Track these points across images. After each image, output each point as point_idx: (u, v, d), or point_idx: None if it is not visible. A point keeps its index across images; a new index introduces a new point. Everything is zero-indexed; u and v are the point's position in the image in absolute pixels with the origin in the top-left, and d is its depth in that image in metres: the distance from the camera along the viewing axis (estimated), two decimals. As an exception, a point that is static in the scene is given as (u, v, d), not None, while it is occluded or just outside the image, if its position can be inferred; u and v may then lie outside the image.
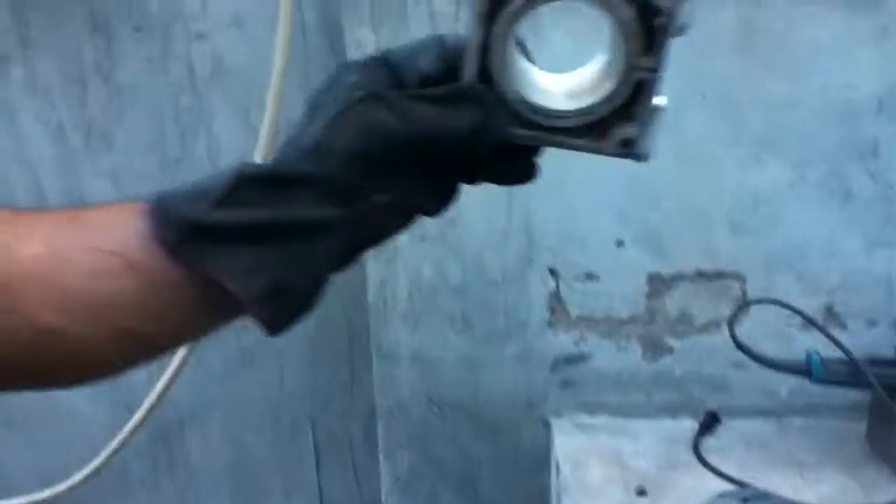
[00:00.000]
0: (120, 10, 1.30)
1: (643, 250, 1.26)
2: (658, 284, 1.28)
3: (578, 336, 1.31)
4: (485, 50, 0.40)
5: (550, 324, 1.32)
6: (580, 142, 0.42)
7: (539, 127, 0.42)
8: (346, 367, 1.50)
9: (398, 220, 0.45)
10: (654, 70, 0.40)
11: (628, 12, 0.38)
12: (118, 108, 1.35)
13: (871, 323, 1.25)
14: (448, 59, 0.41)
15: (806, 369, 1.14)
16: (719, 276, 1.26)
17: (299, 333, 1.39)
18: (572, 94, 0.43)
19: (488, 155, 0.43)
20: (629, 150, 0.42)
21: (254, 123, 1.26)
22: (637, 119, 0.41)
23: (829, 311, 1.26)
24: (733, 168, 1.21)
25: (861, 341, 1.24)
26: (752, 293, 1.25)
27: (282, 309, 0.41)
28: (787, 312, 1.20)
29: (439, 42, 0.42)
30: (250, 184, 0.40)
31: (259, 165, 0.41)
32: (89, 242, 0.40)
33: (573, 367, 1.33)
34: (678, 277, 1.27)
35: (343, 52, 1.25)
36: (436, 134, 0.39)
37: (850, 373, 1.12)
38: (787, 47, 1.15)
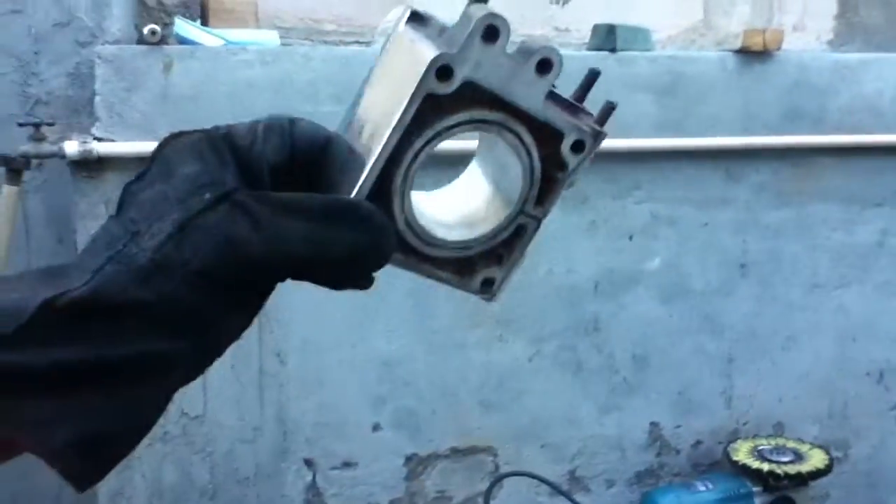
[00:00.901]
0: None
1: (400, 433, 1.27)
2: (416, 465, 1.29)
3: (337, 530, 1.28)
4: (392, 163, 0.35)
5: (308, 519, 1.27)
6: (445, 274, 0.39)
7: (412, 252, 0.37)
8: None
9: (228, 342, 0.36)
10: (539, 219, 0.39)
11: (537, 160, 0.38)
12: None
13: (610, 484, 1.35)
14: (297, 147, 0.35)
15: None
16: (473, 451, 1.30)
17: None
18: (452, 225, 0.40)
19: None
20: (486, 289, 0.40)
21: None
22: (506, 263, 0.40)
23: (573, 476, 1.34)
24: (477, 348, 1.28)
25: (603, 502, 1.33)
26: (504, 466, 1.31)
27: (94, 462, 0.32)
28: (537, 482, 1.26)
29: (289, 125, 0.36)
30: (59, 317, 0.31)
31: (74, 293, 0.31)
32: None
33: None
34: (434, 457, 1.29)
35: (73, 244, 1.19)
36: (306, 260, 0.33)
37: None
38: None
